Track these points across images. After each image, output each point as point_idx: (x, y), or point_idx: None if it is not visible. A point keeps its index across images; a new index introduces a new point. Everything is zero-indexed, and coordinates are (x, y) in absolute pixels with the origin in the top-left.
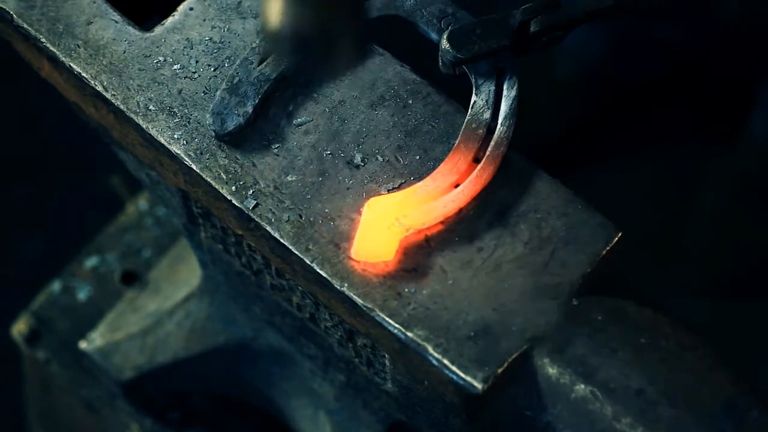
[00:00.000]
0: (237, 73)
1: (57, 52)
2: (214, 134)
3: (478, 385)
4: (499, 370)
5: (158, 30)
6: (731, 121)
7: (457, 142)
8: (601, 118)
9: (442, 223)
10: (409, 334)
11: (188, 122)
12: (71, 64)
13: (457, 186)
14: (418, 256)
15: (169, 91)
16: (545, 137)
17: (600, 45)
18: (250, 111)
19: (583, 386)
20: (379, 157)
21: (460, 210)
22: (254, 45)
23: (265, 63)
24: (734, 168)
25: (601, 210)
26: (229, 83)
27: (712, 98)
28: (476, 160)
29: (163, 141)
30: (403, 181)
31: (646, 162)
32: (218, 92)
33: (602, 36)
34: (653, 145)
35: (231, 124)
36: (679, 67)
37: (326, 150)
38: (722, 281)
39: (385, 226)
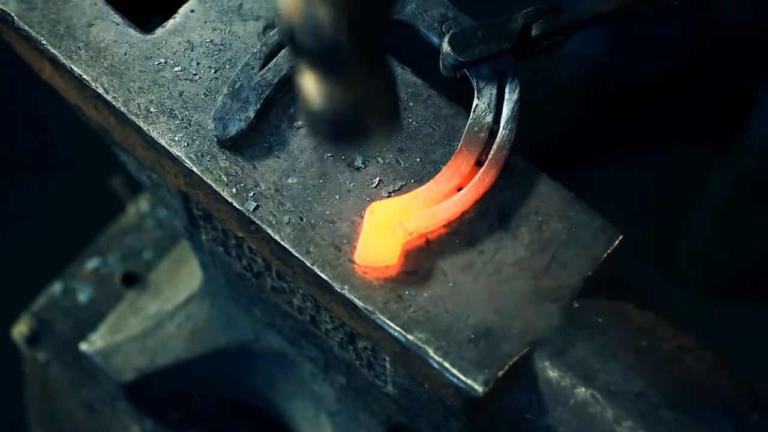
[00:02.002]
0: (238, 78)
1: (58, 54)
2: (216, 139)
3: (479, 388)
4: (500, 373)
5: (159, 32)
6: (732, 122)
7: (459, 145)
8: (602, 120)
9: (443, 225)
10: (410, 337)
11: (189, 124)
12: (72, 66)
13: (459, 189)
14: (419, 259)
15: (170, 93)
16: (546, 139)
17: (601, 47)
18: (252, 116)
19: (583, 389)
20: (379, 159)
21: (462, 213)
22: (255, 49)
23: (266, 68)
24: (735, 169)
25: (602, 212)
26: (231, 88)
27: (713, 99)
28: (479, 164)
29: (163, 143)
30: (403, 183)
31: (646, 163)
32: (220, 97)
33: (603, 38)
34: (654, 147)
35: (233, 129)
36: (679, 69)
37: (327, 152)
38: (723, 283)
39: (388, 230)
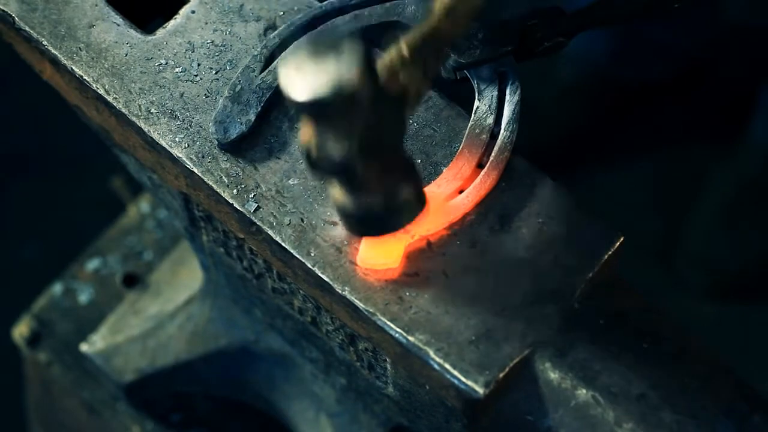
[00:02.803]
0: (239, 81)
1: (59, 55)
2: (217, 143)
3: (480, 390)
4: (501, 375)
5: (160, 33)
6: (733, 123)
7: (460, 147)
8: (603, 121)
9: (445, 227)
10: (411, 339)
11: (190, 125)
12: (73, 67)
13: (461, 191)
14: (420, 261)
15: (171, 94)
16: (547, 141)
17: (602, 48)
18: (253, 119)
19: (584, 391)
20: None
21: (464, 215)
22: (256, 51)
23: (267, 70)
24: (736, 170)
25: (604, 213)
26: (231, 91)
27: (714, 101)
28: (480, 166)
29: (164, 144)
30: None
31: (648, 165)
32: (220, 100)
33: (604, 39)
34: (655, 148)
35: (233, 133)
36: (681, 70)
37: None
38: (724, 284)
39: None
